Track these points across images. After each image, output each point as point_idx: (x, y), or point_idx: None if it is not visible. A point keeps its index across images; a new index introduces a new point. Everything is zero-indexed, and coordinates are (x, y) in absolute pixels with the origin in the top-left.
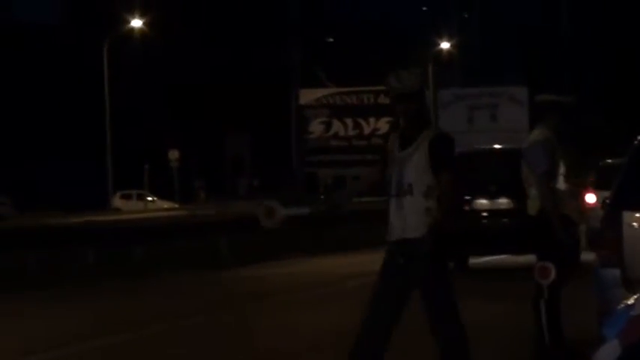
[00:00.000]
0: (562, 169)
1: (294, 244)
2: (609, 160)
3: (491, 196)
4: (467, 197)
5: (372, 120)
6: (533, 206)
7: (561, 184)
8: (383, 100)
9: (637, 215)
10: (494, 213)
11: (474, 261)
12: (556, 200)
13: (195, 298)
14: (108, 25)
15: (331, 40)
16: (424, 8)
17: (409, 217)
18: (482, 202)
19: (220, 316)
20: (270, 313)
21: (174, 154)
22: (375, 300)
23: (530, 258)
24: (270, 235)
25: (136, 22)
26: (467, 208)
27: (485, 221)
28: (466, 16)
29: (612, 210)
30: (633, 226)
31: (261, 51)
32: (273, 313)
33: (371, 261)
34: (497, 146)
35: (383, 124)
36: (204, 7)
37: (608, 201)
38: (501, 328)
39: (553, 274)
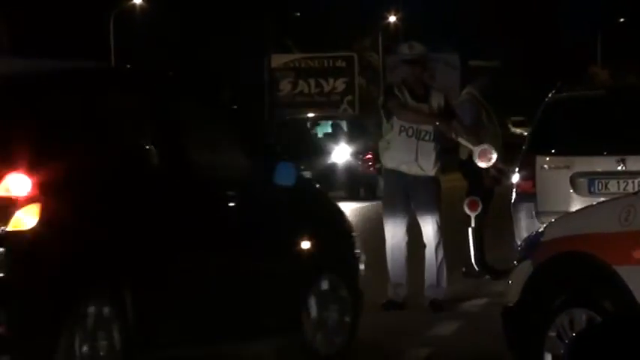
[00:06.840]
0: (487, 123)
1: None
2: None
3: None
4: None
5: (330, 80)
6: (463, 152)
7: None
8: (340, 63)
9: (547, 159)
10: None
11: None
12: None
13: None
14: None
15: (298, 14)
16: None
17: (427, 157)
18: None
19: None
20: None
21: None
22: (394, 223)
23: None
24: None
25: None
26: None
27: None
28: None
29: (527, 155)
30: (544, 167)
31: (242, 24)
32: None
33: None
34: None
35: (340, 84)
36: None
37: (524, 147)
38: None
39: (480, 207)
